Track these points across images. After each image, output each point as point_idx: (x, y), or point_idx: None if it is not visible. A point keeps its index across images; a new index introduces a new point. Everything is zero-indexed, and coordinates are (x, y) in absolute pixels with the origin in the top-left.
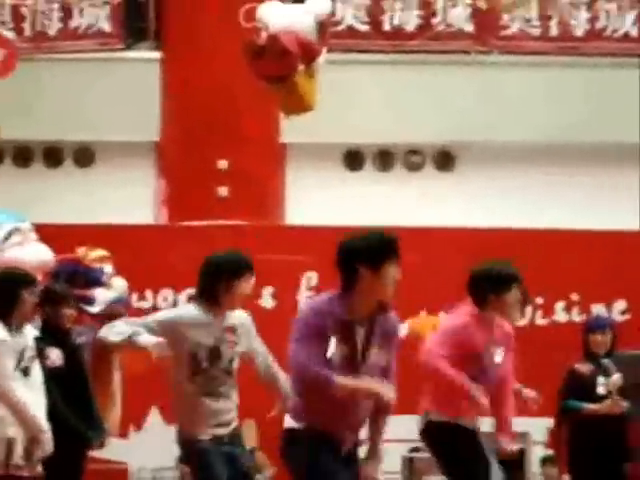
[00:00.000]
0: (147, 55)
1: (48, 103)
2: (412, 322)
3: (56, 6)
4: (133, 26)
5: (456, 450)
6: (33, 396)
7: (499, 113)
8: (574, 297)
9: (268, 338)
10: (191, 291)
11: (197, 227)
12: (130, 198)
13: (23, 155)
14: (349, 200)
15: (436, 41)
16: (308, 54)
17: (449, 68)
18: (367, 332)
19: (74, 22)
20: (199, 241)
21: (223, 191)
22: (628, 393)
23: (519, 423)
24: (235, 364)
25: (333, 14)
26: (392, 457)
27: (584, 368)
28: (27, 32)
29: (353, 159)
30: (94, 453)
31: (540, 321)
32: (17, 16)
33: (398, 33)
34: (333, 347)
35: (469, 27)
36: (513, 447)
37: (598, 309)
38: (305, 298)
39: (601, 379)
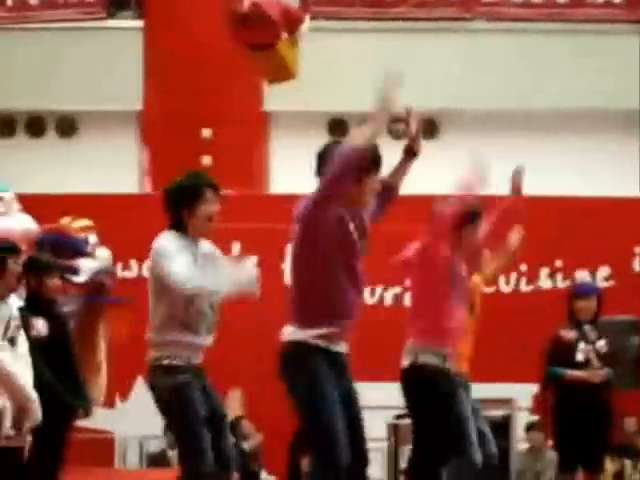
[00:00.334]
0: (129, 24)
1: (30, 73)
2: None
3: None
4: None
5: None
6: (20, 366)
7: (483, 81)
8: (558, 264)
9: (254, 306)
10: None
11: None
12: (113, 167)
13: (6, 125)
14: None
15: (420, 8)
16: (291, 22)
17: (433, 35)
18: None
19: None
20: None
21: (207, 160)
22: (611, 359)
23: (505, 389)
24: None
25: None
26: (377, 424)
27: (568, 334)
28: (9, 2)
29: (337, 127)
30: (80, 422)
31: (524, 288)
32: None
33: (382, 1)
34: None
35: None
36: None
37: (582, 276)
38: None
39: (582, 345)
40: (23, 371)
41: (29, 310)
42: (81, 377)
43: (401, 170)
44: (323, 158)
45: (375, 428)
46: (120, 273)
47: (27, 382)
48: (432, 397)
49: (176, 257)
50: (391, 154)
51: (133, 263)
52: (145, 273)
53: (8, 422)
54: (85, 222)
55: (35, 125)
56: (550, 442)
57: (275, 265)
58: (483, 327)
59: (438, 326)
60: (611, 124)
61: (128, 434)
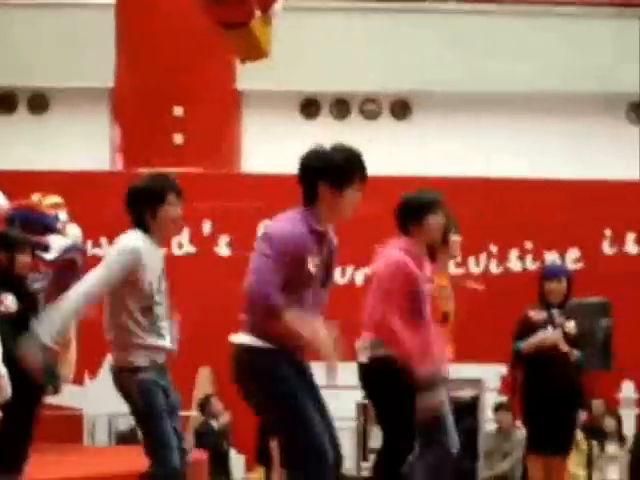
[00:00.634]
0: (102, 1)
1: (3, 49)
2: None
3: None
4: None
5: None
6: None
7: (456, 62)
8: (528, 245)
9: (225, 286)
10: None
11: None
12: (85, 144)
13: None
14: (305, 148)
15: None
16: (264, 0)
17: (406, 16)
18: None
19: None
20: None
21: (178, 138)
22: (581, 341)
23: (473, 370)
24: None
25: None
26: (347, 403)
27: (536, 315)
28: None
29: (309, 107)
30: (49, 400)
31: (494, 269)
32: None
33: None
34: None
35: None
36: None
37: (551, 257)
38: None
39: (549, 329)
40: None
41: None
42: (50, 354)
43: None
44: (306, 166)
45: (344, 407)
46: (90, 250)
47: None
48: (399, 387)
49: (110, 268)
50: (363, 134)
51: (103, 240)
52: None
53: None
54: (56, 199)
55: (6, 101)
56: (518, 422)
57: (247, 244)
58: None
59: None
60: (581, 106)
61: (97, 412)
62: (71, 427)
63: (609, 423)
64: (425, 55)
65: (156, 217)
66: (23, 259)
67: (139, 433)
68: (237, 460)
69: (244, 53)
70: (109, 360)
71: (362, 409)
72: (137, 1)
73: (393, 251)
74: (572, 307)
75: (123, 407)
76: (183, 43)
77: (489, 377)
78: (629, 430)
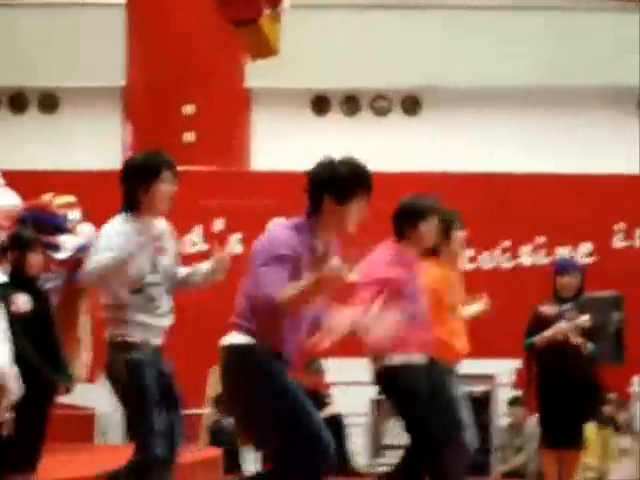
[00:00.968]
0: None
1: (13, 49)
2: None
3: None
4: None
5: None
6: None
7: (466, 57)
8: (540, 240)
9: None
10: None
11: None
12: (96, 144)
13: None
14: (315, 145)
15: None
16: None
17: (415, 12)
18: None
19: None
20: None
21: (189, 136)
22: (594, 335)
23: (485, 365)
24: (169, 273)
25: None
26: (361, 400)
27: (549, 310)
28: None
29: (319, 104)
30: (61, 399)
31: (506, 264)
32: None
33: None
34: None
35: None
36: None
37: (563, 252)
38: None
39: (561, 324)
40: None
41: (11, 286)
42: (63, 353)
43: None
44: (313, 178)
45: (357, 404)
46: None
47: (3, 358)
48: (417, 392)
49: (101, 252)
50: (373, 130)
51: None
52: None
53: None
54: (68, 198)
55: (17, 101)
56: (531, 417)
57: None
58: (464, 303)
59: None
60: (594, 101)
61: (109, 410)
62: (83, 426)
63: (622, 416)
64: (435, 51)
65: (148, 193)
66: (35, 259)
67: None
68: (251, 457)
69: (254, 51)
70: None
71: (376, 405)
72: (148, 0)
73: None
74: (584, 301)
75: None
76: (193, 41)
77: (501, 372)
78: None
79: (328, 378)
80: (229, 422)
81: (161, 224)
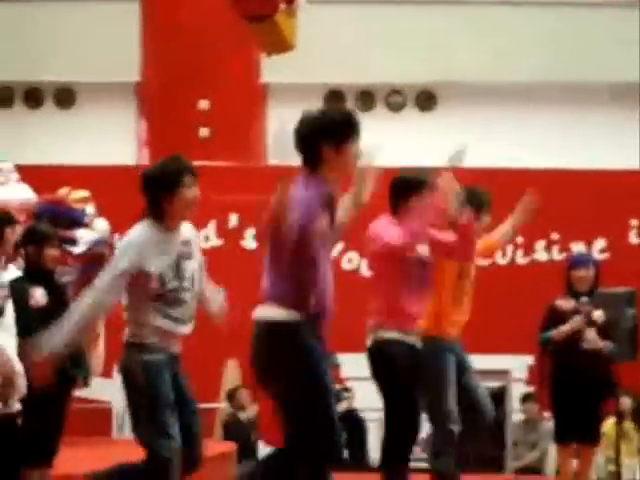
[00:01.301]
0: None
1: (29, 44)
2: None
3: None
4: None
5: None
6: (5, 337)
7: (481, 52)
8: (554, 236)
9: (252, 279)
10: None
11: None
12: (111, 139)
13: (4, 97)
14: None
15: None
16: None
17: (431, 7)
18: None
19: None
20: None
21: (204, 132)
22: (608, 331)
23: (500, 361)
24: (197, 278)
25: None
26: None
27: (564, 304)
28: None
29: (334, 99)
30: (78, 392)
31: (520, 260)
32: None
33: None
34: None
35: None
36: None
37: (578, 248)
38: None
39: (577, 318)
40: (7, 343)
41: (28, 280)
42: (80, 347)
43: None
44: (306, 131)
45: (374, 398)
46: (118, 244)
47: (12, 354)
48: (394, 372)
49: (116, 268)
50: (388, 126)
51: None
52: None
53: None
54: (83, 193)
55: (33, 96)
56: (545, 413)
57: None
58: (479, 299)
59: (396, 309)
60: (606, 97)
61: (119, 404)
62: (100, 420)
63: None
64: (450, 46)
65: (173, 202)
66: (52, 253)
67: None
68: (266, 452)
69: (269, 46)
70: None
71: None
72: None
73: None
74: (598, 297)
75: None
76: (208, 37)
77: (516, 368)
78: None
79: (344, 373)
80: (244, 416)
81: (187, 230)
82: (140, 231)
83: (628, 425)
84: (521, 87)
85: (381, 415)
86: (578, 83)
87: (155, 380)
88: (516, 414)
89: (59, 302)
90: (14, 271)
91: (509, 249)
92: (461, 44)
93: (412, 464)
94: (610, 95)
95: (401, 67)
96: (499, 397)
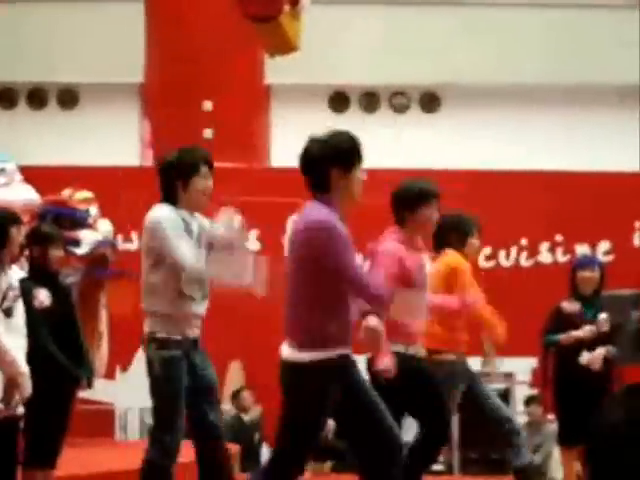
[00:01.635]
0: None
1: (32, 44)
2: None
3: None
4: None
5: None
6: (14, 338)
7: (485, 54)
8: (558, 238)
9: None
10: None
11: None
12: (115, 140)
13: (7, 97)
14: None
15: None
16: None
17: (435, 8)
18: None
19: None
20: None
21: (208, 133)
22: (611, 334)
23: (504, 363)
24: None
25: None
26: None
27: (569, 307)
28: None
29: (338, 100)
30: (81, 394)
31: (525, 262)
32: None
33: None
34: None
35: None
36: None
37: (582, 250)
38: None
39: (590, 328)
40: (16, 343)
41: (32, 281)
42: (84, 348)
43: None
44: (314, 156)
45: None
46: (121, 245)
47: (19, 355)
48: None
49: (180, 236)
50: (392, 127)
51: (134, 235)
52: None
53: None
54: (86, 194)
55: (37, 97)
56: (549, 416)
57: (276, 238)
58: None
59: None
60: (610, 99)
61: (128, 405)
62: (103, 421)
63: None
64: (454, 47)
65: (187, 189)
66: (56, 254)
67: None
68: (268, 453)
69: (273, 47)
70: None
71: None
72: None
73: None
74: (603, 300)
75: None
76: (212, 37)
77: (520, 370)
78: None
79: None
80: (247, 418)
81: (202, 220)
82: (166, 210)
83: None
84: (525, 89)
85: None
86: (582, 85)
87: (172, 380)
88: (520, 416)
89: (63, 303)
90: (17, 272)
91: (513, 251)
92: (465, 46)
93: None
94: (615, 97)
95: (405, 69)
96: (503, 399)
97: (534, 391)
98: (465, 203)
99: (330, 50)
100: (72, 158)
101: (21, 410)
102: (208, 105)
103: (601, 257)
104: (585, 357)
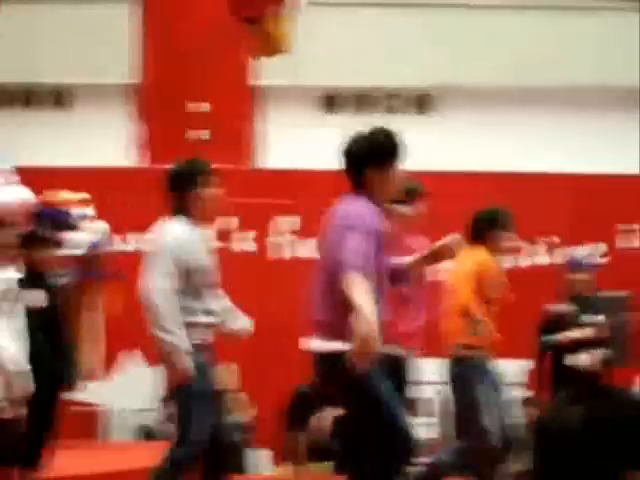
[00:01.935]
0: None
1: (25, 45)
2: None
3: None
4: None
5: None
6: (10, 339)
7: (481, 56)
8: (555, 240)
9: (250, 281)
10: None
11: None
12: (109, 141)
13: (1, 98)
14: (327, 143)
15: None
16: None
17: (428, 10)
18: None
19: None
20: None
21: (200, 134)
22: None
23: (499, 365)
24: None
25: None
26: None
27: (563, 308)
28: None
29: (331, 102)
30: (75, 396)
31: (522, 263)
32: None
33: None
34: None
35: None
36: None
37: (579, 252)
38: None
39: (590, 330)
40: (13, 344)
41: (26, 282)
42: (73, 350)
43: (418, 264)
44: (351, 154)
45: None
46: (117, 246)
47: (15, 355)
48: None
49: (162, 272)
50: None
51: (130, 236)
52: (140, 247)
53: (1, 394)
54: (81, 195)
55: (30, 98)
56: None
57: (270, 239)
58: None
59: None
60: (609, 101)
61: (122, 407)
62: (86, 423)
63: None
64: (448, 50)
65: (199, 200)
66: (50, 255)
67: (157, 428)
68: (263, 456)
69: (263, 48)
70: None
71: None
72: None
73: None
74: (598, 300)
75: (139, 402)
76: (205, 39)
77: (515, 372)
78: None
79: None
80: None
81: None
82: (176, 228)
83: None
84: (521, 91)
85: None
86: (580, 87)
87: (207, 386)
88: (516, 418)
89: (55, 304)
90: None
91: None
92: (460, 48)
93: None
94: (613, 100)
95: (399, 70)
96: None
97: (530, 393)
98: (461, 204)
99: (323, 52)
100: (66, 159)
101: (23, 411)
102: (201, 107)
103: (597, 259)
104: (584, 358)
